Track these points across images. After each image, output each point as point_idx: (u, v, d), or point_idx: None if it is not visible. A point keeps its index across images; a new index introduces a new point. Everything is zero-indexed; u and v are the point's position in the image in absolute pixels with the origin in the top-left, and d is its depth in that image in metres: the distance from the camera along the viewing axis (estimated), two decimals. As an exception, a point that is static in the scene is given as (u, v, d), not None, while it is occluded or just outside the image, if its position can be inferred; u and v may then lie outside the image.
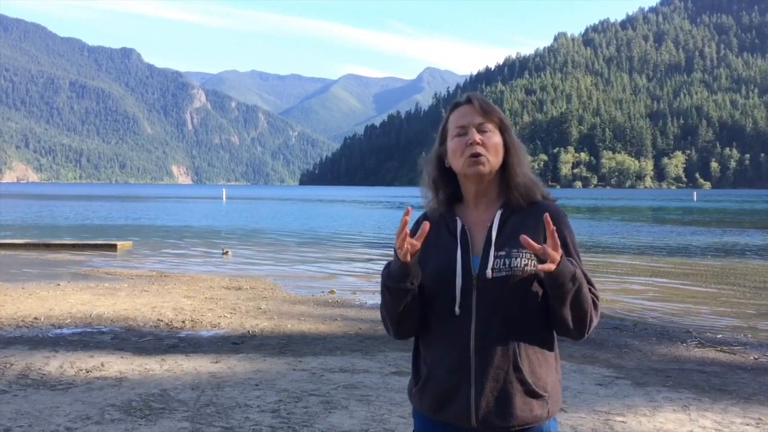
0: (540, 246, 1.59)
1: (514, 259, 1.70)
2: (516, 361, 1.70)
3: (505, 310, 1.70)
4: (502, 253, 1.71)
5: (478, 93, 1.85)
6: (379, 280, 1.83)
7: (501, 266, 1.70)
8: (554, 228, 1.60)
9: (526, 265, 1.70)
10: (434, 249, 1.78)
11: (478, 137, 1.75)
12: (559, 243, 1.61)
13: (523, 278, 1.70)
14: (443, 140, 1.85)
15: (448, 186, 1.84)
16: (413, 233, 1.83)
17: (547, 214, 1.63)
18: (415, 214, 1.76)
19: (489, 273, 1.70)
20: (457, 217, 1.80)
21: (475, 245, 1.76)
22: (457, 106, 1.83)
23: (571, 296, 1.64)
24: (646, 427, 4.33)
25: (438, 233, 1.80)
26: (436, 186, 1.85)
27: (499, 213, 1.77)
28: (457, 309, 1.71)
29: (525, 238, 1.60)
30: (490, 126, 1.78)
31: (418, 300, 1.77)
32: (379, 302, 1.87)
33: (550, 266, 1.58)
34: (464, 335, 1.71)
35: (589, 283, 1.71)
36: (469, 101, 1.81)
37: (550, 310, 1.71)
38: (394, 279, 1.71)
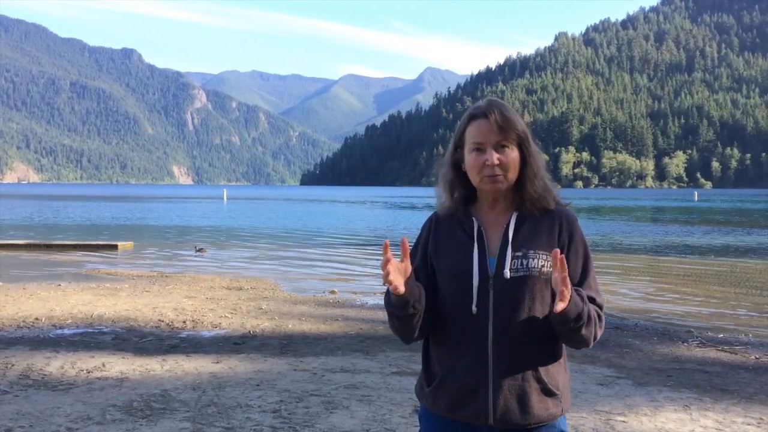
0: (561, 275, 1.59)
1: (531, 260, 1.72)
2: (533, 360, 1.73)
3: (521, 310, 1.71)
4: (519, 254, 1.73)
5: (496, 101, 1.78)
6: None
7: (519, 266, 1.72)
8: (566, 276, 1.59)
9: (543, 266, 1.71)
10: (450, 249, 1.80)
11: (495, 158, 1.73)
12: (569, 285, 1.60)
13: (540, 279, 1.71)
14: (458, 147, 1.82)
15: (464, 187, 1.84)
16: (424, 234, 1.87)
17: (557, 255, 1.60)
18: (409, 243, 1.72)
19: (507, 273, 1.71)
20: (474, 218, 1.81)
21: (490, 246, 1.77)
22: (474, 118, 1.77)
23: (573, 333, 1.68)
24: (647, 426, 4.32)
25: (453, 233, 1.81)
26: (452, 188, 1.85)
27: (515, 215, 1.78)
28: (474, 308, 1.72)
29: (556, 253, 1.60)
30: (507, 142, 1.75)
31: (431, 305, 1.79)
32: (381, 302, 1.89)
33: (561, 306, 1.60)
34: (482, 334, 1.72)
35: (592, 300, 1.73)
36: (485, 115, 1.75)
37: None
38: (396, 308, 1.72)
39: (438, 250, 1.81)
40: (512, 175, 1.76)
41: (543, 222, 1.77)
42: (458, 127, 1.85)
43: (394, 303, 1.70)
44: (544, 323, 1.73)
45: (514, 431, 1.74)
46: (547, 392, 1.74)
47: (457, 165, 1.84)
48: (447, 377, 1.77)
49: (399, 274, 1.64)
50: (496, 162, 1.73)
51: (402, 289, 1.64)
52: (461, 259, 1.76)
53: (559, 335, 1.72)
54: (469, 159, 1.78)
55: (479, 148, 1.75)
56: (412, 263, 1.81)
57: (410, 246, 1.72)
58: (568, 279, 1.59)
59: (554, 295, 1.68)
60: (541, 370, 1.73)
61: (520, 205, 1.79)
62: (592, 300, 1.73)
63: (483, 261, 1.74)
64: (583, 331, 1.67)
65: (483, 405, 1.72)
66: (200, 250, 18.15)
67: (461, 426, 1.77)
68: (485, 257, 1.75)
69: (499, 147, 1.74)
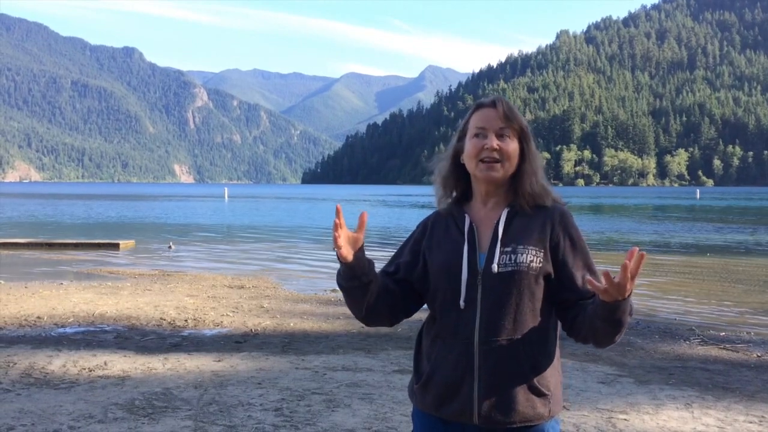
0: (606, 285, 1.56)
1: (519, 255, 1.71)
2: (520, 357, 1.70)
3: (509, 306, 1.70)
4: (508, 249, 1.72)
5: (504, 97, 1.84)
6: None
7: (507, 261, 1.71)
8: (637, 268, 1.55)
9: (532, 261, 1.71)
10: (442, 245, 1.81)
11: (495, 143, 1.75)
12: (633, 279, 1.56)
13: (529, 274, 1.70)
14: (462, 137, 1.84)
15: (460, 183, 1.86)
16: (417, 233, 1.89)
17: (635, 254, 1.54)
18: (360, 210, 1.78)
19: (495, 268, 1.70)
20: (466, 215, 1.82)
21: (481, 242, 1.77)
22: (481, 107, 1.81)
23: (616, 324, 1.65)
24: (649, 425, 4.32)
25: (448, 231, 1.82)
26: (447, 181, 1.87)
27: (506, 211, 1.78)
28: (461, 302, 1.72)
29: (590, 280, 1.58)
30: (509, 132, 1.77)
31: (391, 291, 1.81)
32: None
33: (619, 296, 1.57)
34: (469, 330, 1.72)
35: None
36: (493, 104, 1.79)
37: (581, 325, 1.70)
38: (343, 277, 1.75)
39: (432, 248, 1.82)
40: (509, 165, 1.77)
41: (536, 218, 1.76)
42: (464, 117, 1.87)
43: (341, 272, 1.75)
44: (533, 319, 1.71)
45: (500, 430, 1.72)
46: (535, 391, 1.70)
47: (457, 157, 1.85)
48: (434, 374, 1.77)
49: (348, 242, 1.70)
50: (496, 146, 1.75)
51: (350, 257, 1.70)
52: (453, 255, 1.76)
53: (598, 328, 1.65)
54: (469, 145, 1.79)
55: (480, 134, 1.77)
56: (398, 257, 1.88)
57: (368, 220, 1.75)
58: (632, 274, 1.55)
59: (536, 289, 1.70)
60: (530, 368, 1.70)
61: (514, 201, 1.79)
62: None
63: (473, 257, 1.74)
64: (628, 320, 1.66)
65: (468, 401, 1.70)
66: (170, 246, 18.15)
67: (450, 424, 1.76)
68: (476, 253, 1.75)
69: (501, 135, 1.76)
